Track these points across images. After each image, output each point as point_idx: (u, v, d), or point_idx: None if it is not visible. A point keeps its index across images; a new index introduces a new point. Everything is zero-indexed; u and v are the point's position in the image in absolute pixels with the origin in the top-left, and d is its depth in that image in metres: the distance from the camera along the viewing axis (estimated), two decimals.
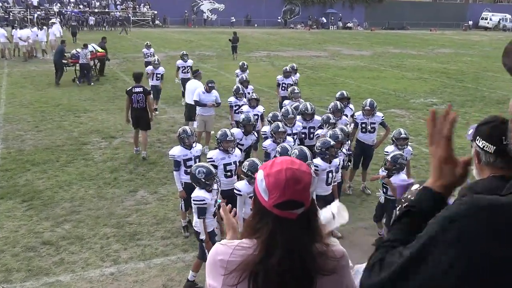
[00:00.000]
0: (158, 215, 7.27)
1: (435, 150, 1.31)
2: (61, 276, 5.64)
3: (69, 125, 11.96)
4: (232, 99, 9.99)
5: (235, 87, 10.25)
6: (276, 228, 1.65)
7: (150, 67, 13.67)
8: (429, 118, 1.32)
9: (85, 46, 17.88)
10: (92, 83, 17.73)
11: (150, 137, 10.63)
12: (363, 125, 8.36)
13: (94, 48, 18.98)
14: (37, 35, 24.21)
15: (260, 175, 1.71)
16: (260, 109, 9.31)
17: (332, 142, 6.34)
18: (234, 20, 52.62)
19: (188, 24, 51.14)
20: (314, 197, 2.09)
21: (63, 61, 17.81)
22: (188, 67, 14.43)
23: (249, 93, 10.41)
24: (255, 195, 1.74)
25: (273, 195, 1.65)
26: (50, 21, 28.36)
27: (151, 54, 17.44)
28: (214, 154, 6.43)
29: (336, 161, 6.46)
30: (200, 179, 5.33)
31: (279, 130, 7.03)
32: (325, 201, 6.08)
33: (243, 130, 7.61)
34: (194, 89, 10.28)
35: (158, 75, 13.45)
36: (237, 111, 9.71)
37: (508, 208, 1.08)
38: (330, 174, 6.36)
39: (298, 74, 13.07)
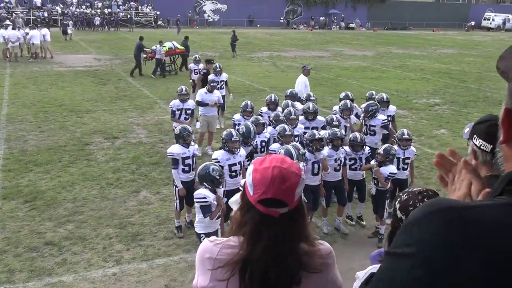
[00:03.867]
0: (161, 215, 7.27)
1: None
2: (63, 276, 5.65)
3: (71, 126, 11.97)
4: (237, 116, 8.56)
5: (243, 103, 8.70)
6: (260, 224, 1.67)
7: (176, 102, 9.59)
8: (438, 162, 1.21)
9: (161, 43, 19.99)
10: (167, 76, 19.83)
11: (152, 138, 11.31)
12: (363, 128, 8.40)
13: (174, 45, 21.08)
14: (27, 34, 22.92)
15: (249, 169, 1.75)
16: (267, 134, 7.74)
17: (318, 136, 6.57)
18: (211, 19, 52.15)
19: (192, 24, 51.15)
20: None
21: (143, 55, 19.93)
22: (222, 82, 11.96)
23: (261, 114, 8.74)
24: (244, 188, 1.76)
25: (258, 191, 1.66)
26: (5, 23, 26.94)
27: (201, 71, 13.88)
28: (219, 154, 6.43)
29: (323, 153, 6.62)
30: (215, 176, 5.40)
31: (286, 133, 6.91)
32: (312, 190, 6.54)
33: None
34: (301, 83, 11.44)
35: (187, 111, 9.59)
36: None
37: (472, 214, 0.90)
38: (316, 165, 6.54)
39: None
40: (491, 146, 2.32)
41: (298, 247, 1.70)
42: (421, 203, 2.21)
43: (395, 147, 7.13)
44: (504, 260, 0.84)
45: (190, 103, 9.61)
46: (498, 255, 0.85)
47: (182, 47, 21.37)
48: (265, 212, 1.66)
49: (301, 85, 11.51)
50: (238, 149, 6.50)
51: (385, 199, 6.73)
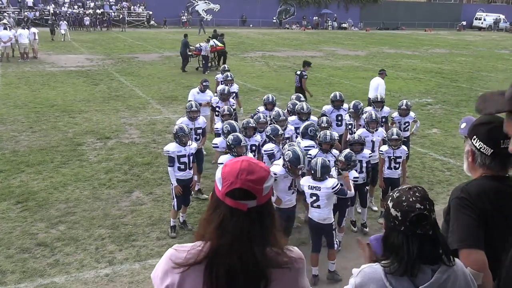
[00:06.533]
0: (154, 215, 7.25)
1: None
2: (56, 277, 5.62)
3: (63, 126, 11.91)
4: (218, 125, 8.15)
5: (221, 109, 8.42)
6: (227, 217, 1.67)
7: (184, 120, 7.99)
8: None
9: (207, 41, 21.39)
10: (208, 71, 20.75)
11: (144, 138, 11.17)
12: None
13: (215, 43, 22.21)
14: (15, 36, 22.63)
15: (219, 167, 1.82)
16: (258, 138, 7.38)
17: (281, 132, 6.91)
18: (185, 19, 51.25)
19: (184, 24, 51.02)
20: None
21: (188, 52, 21.43)
22: (233, 93, 10.79)
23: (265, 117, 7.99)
24: (213, 188, 1.78)
25: (226, 183, 1.69)
26: (1, 22, 26.63)
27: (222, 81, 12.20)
28: (225, 159, 6.15)
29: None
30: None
31: (279, 132, 6.90)
32: None
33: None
34: (377, 86, 11.47)
35: (198, 131, 8.27)
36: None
37: None
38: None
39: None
40: (492, 150, 2.31)
41: (265, 245, 1.68)
42: (413, 198, 2.18)
43: (386, 147, 7.16)
44: None
45: (201, 121, 8.30)
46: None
47: (221, 45, 22.65)
48: (233, 206, 1.67)
49: (381, 87, 11.48)
50: (246, 153, 6.33)
51: (346, 207, 6.42)
